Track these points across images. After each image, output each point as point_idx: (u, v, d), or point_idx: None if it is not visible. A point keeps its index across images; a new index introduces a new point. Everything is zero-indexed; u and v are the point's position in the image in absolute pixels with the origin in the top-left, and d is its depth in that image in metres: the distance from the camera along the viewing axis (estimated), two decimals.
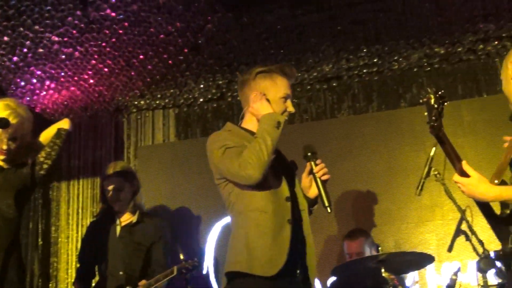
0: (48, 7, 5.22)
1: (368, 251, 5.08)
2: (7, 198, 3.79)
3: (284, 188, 3.17)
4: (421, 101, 3.05)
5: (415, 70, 6.18)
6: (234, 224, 3.20)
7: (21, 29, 5.44)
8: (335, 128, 6.29)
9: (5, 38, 5.53)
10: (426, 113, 3.02)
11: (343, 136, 6.21)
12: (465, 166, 2.94)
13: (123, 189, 5.15)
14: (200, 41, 5.94)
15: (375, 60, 6.21)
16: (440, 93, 3.00)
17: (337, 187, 5.96)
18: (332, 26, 5.83)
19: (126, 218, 5.18)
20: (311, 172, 3.20)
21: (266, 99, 3.24)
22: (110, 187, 5.13)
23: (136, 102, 6.93)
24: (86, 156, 7.10)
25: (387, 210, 5.87)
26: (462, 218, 3.90)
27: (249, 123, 3.34)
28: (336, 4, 5.52)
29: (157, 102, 6.89)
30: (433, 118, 2.96)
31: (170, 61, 6.23)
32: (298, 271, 3.14)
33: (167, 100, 6.85)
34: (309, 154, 3.22)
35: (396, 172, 5.96)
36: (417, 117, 5.96)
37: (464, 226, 4.00)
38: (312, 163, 3.19)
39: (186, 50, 6.07)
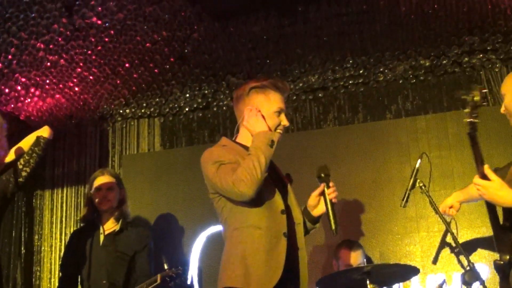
0: (34, 14, 5.19)
1: (364, 263, 5.05)
2: None
3: (279, 201, 3.20)
4: (464, 97, 3.07)
5: (400, 81, 6.18)
6: (229, 240, 3.20)
7: (6, 35, 5.39)
8: (321, 138, 6.27)
9: None
10: (467, 110, 3.05)
11: (329, 147, 6.20)
12: (487, 170, 3.01)
13: (113, 190, 5.15)
14: (186, 50, 5.93)
15: (361, 71, 6.21)
16: (485, 91, 3.06)
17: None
18: (318, 37, 5.84)
19: (110, 227, 5.14)
20: (322, 193, 3.26)
21: (261, 115, 3.27)
22: (102, 184, 5.11)
23: (121, 111, 6.89)
24: (70, 164, 7.04)
25: (373, 222, 5.85)
26: (447, 231, 3.88)
27: (244, 138, 3.37)
28: (322, 15, 5.53)
29: (143, 110, 6.86)
30: (475, 115, 3.00)
31: (156, 70, 6.22)
32: (291, 285, 3.15)
33: (152, 109, 6.82)
34: (322, 175, 3.28)
35: (381, 183, 5.94)
36: (403, 129, 5.99)
37: (449, 238, 3.99)
38: (325, 185, 3.25)
39: (172, 59, 6.06)
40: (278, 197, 3.21)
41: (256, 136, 3.18)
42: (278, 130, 3.32)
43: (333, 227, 3.16)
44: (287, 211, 3.22)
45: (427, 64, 6.04)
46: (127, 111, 6.89)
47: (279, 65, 6.22)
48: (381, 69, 6.16)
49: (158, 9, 5.29)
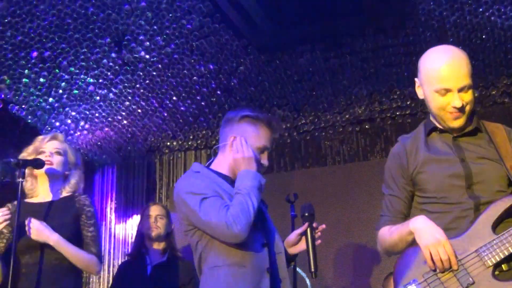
0: (84, 50, 5.28)
1: None
2: None
3: (259, 234, 2.99)
4: None
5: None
6: (208, 278, 2.95)
7: (57, 70, 5.49)
8: (368, 170, 6.21)
9: (41, 80, 5.58)
10: None
11: (376, 179, 6.10)
12: None
13: (163, 218, 5.18)
14: (232, 83, 5.95)
15: (408, 103, 6.14)
16: None
17: (369, 231, 5.88)
18: (364, 68, 5.80)
19: (157, 258, 5.15)
20: (304, 232, 3.06)
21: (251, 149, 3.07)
22: (152, 212, 5.15)
23: (168, 143, 6.94)
24: (118, 196, 7.10)
25: None
26: None
27: (221, 165, 3.12)
28: (368, 46, 5.50)
29: (189, 143, 6.89)
30: None
31: (202, 103, 6.25)
32: None
33: (199, 141, 6.85)
34: (306, 214, 3.09)
35: None
36: None
37: None
38: (308, 224, 3.06)
39: (218, 92, 6.08)
40: (259, 230, 2.98)
41: (246, 174, 2.97)
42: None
43: (313, 269, 2.94)
44: (268, 242, 3.01)
45: (476, 94, 5.94)
46: (174, 143, 6.93)
47: (325, 97, 6.19)
48: None
49: (205, 43, 5.33)
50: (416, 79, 2.95)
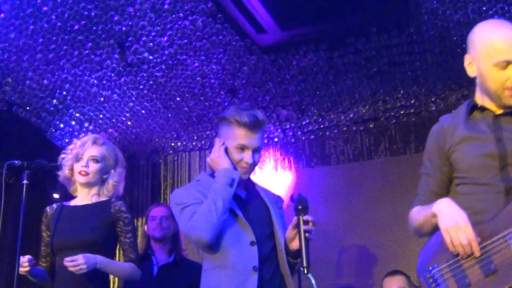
0: (87, 51, 5.28)
1: None
2: None
3: (248, 232, 2.97)
4: None
5: (453, 111, 6.07)
6: (202, 282, 3.05)
7: (60, 72, 5.50)
8: (372, 169, 6.21)
9: (45, 82, 5.59)
10: None
11: (381, 178, 6.13)
12: None
13: (168, 219, 5.17)
14: (236, 83, 5.95)
15: (412, 101, 6.13)
16: None
17: (373, 230, 5.91)
18: (369, 67, 5.79)
19: (163, 259, 5.15)
20: (297, 226, 2.96)
21: (224, 148, 3.10)
22: (157, 213, 5.15)
23: (172, 144, 6.94)
24: (123, 198, 7.08)
25: None
26: None
27: None
28: (372, 46, 5.49)
29: (194, 143, 6.90)
30: None
31: (206, 103, 6.25)
32: None
33: (203, 142, 6.85)
34: (300, 207, 2.97)
35: None
36: None
37: None
38: (301, 217, 2.93)
39: (222, 92, 6.08)
40: (247, 228, 2.97)
41: (217, 174, 3.03)
42: (241, 167, 3.09)
43: (304, 264, 2.80)
44: (261, 241, 2.99)
45: None
46: (179, 144, 6.94)
47: (329, 97, 6.19)
48: (432, 99, 6.08)
49: (208, 44, 5.33)
50: (466, 55, 2.75)
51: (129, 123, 6.46)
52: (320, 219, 6.13)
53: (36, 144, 6.18)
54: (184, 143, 6.90)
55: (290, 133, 6.61)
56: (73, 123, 6.31)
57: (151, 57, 5.45)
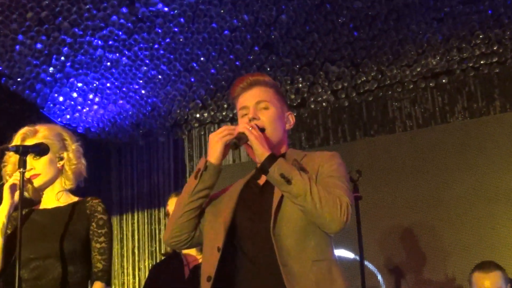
0: (88, 6, 5.32)
1: None
2: None
3: (218, 236, 3.04)
4: None
5: None
6: None
7: (57, 33, 5.56)
8: (448, 136, 6.19)
9: (39, 46, 5.66)
10: None
11: (458, 146, 6.09)
12: None
13: None
14: (273, 36, 5.95)
15: (494, 48, 6.08)
16: None
17: (453, 207, 5.95)
18: (438, 8, 5.75)
19: (194, 259, 5.19)
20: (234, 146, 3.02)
21: (213, 136, 3.11)
22: None
23: (198, 115, 6.98)
24: (140, 184, 7.18)
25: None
26: None
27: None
28: None
29: (224, 113, 6.93)
30: None
31: (237, 62, 6.26)
32: None
33: (235, 111, 6.87)
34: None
35: None
36: None
37: None
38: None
39: (256, 48, 6.09)
40: (218, 231, 3.05)
41: None
42: (248, 127, 3.02)
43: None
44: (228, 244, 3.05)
45: None
46: (205, 114, 6.97)
47: (389, 47, 6.15)
48: None
49: None
50: None
51: (143, 91, 6.51)
52: (385, 200, 6.15)
53: (32, 123, 6.24)
54: (212, 113, 6.92)
55: (343, 95, 6.60)
56: (75, 95, 6.37)
57: (166, 9, 5.47)
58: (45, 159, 3.80)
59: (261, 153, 2.89)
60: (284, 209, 2.88)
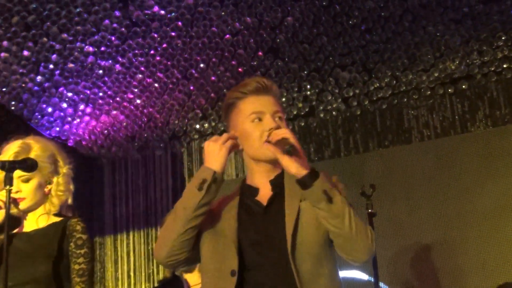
0: (78, 9, 5.31)
1: None
2: None
3: (231, 258, 2.96)
4: None
5: None
6: None
7: (45, 39, 5.54)
8: (469, 146, 6.19)
9: (25, 53, 5.64)
10: None
11: (480, 157, 6.08)
12: None
13: None
14: (278, 40, 5.93)
15: None
16: None
17: (476, 223, 5.93)
18: (457, 7, 5.73)
19: (197, 282, 5.17)
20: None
21: (214, 141, 3.02)
22: None
23: (197, 126, 6.98)
24: (136, 201, 7.17)
25: None
26: None
27: (248, 174, 3.25)
28: None
29: (225, 124, 6.90)
30: None
31: (240, 69, 6.25)
32: None
33: None
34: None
35: None
36: None
37: None
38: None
39: (260, 53, 6.07)
40: (231, 254, 2.97)
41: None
42: (267, 138, 2.95)
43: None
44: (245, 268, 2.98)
45: None
46: (206, 125, 6.96)
47: (404, 51, 6.15)
48: None
49: None
50: None
51: (138, 101, 6.50)
52: (400, 216, 6.12)
53: (18, 136, 6.24)
54: (213, 124, 6.92)
55: (354, 103, 6.59)
56: (65, 105, 6.36)
57: (162, 12, 5.45)
58: (33, 183, 3.79)
59: (302, 165, 2.79)
60: (301, 233, 2.84)
